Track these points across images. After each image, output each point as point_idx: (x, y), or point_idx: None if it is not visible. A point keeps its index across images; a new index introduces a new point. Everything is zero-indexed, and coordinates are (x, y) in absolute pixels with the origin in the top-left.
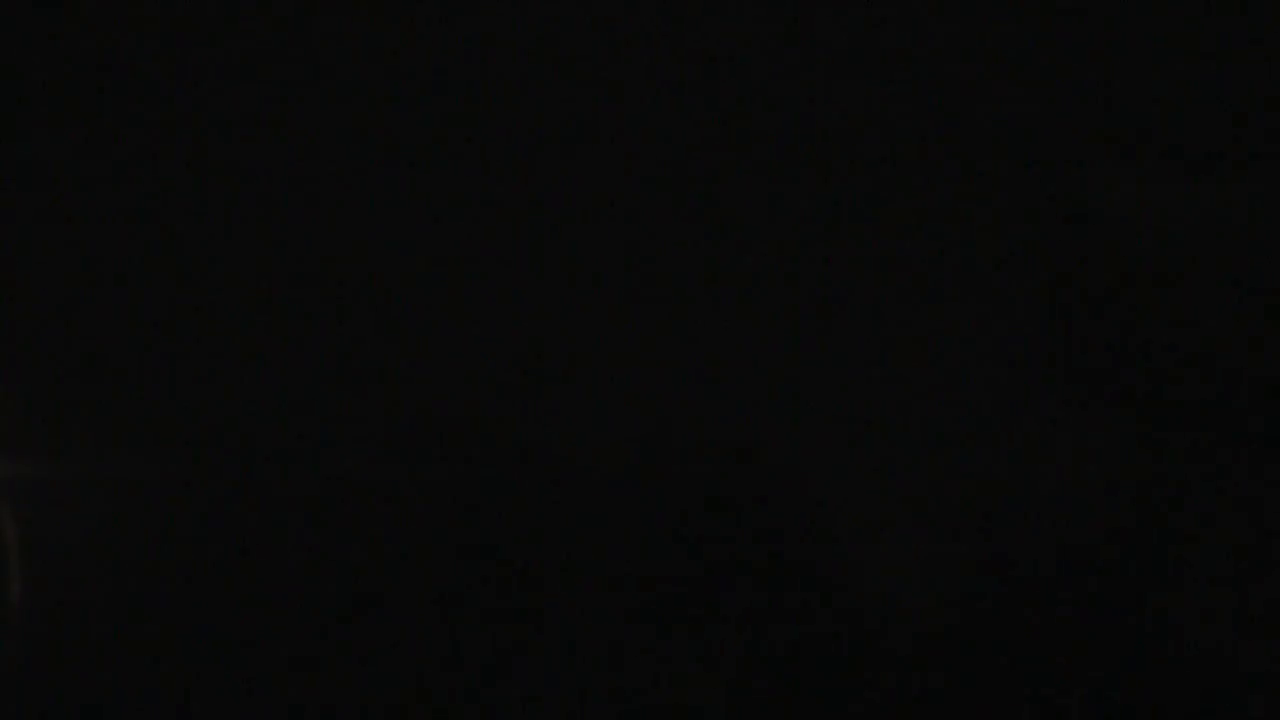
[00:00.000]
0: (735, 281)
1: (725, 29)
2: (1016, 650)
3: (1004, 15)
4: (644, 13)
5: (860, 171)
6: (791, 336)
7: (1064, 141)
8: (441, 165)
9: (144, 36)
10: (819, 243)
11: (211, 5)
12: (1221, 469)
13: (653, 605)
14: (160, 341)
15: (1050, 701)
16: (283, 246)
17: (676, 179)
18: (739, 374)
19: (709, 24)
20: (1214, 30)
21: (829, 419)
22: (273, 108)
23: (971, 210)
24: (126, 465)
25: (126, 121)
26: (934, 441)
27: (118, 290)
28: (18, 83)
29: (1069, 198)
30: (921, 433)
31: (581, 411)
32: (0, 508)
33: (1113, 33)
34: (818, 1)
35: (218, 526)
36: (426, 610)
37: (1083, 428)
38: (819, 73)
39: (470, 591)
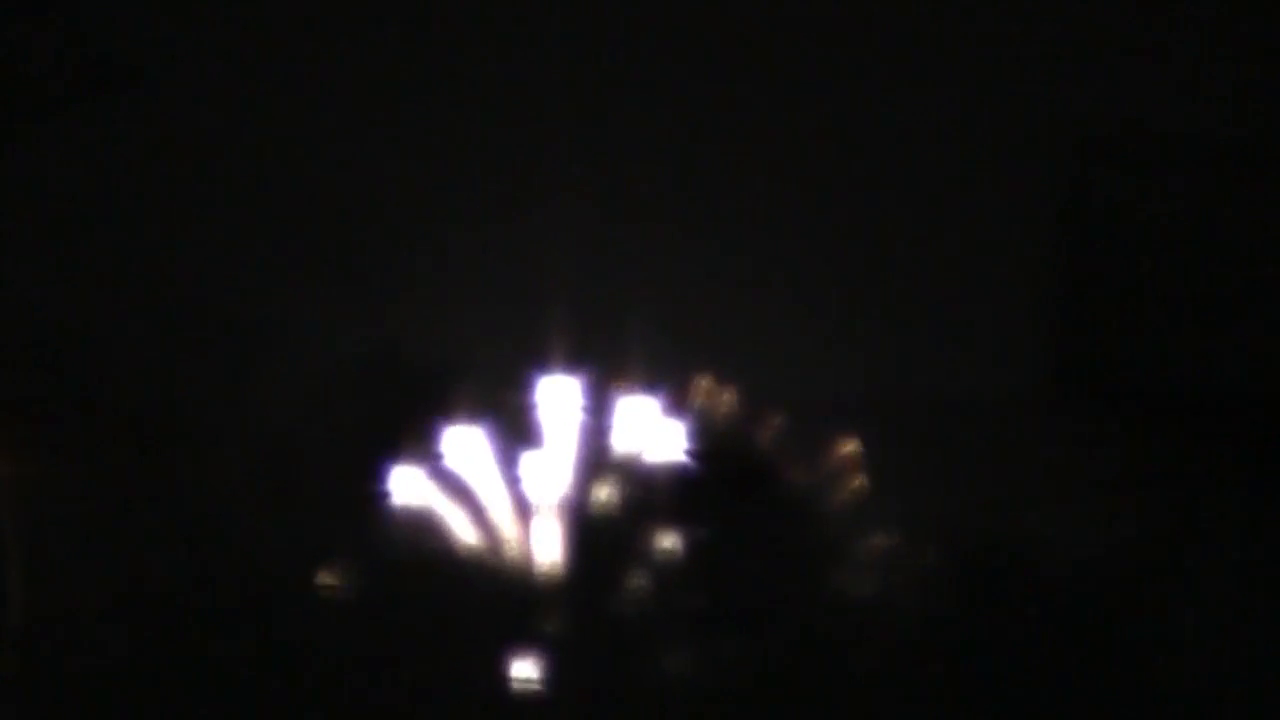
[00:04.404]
0: (741, 286)
1: (729, 29)
2: (1018, 655)
3: (1006, 20)
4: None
5: (866, 178)
6: (796, 341)
7: (1070, 147)
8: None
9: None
10: (824, 249)
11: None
12: (1224, 476)
13: (650, 606)
14: (150, 344)
15: (1051, 704)
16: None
17: (680, 182)
18: (745, 376)
19: (711, 24)
20: (1215, 34)
21: (834, 424)
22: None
23: (981, 218)
24: (118, 465)
25: (127, 134)
26: (944, 450)
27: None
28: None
29: (1075, 204)
30: (930, 440)
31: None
32: (0, 508)
33: (1116, 38)
34: (823, 7)
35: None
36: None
37: (1093, 436)
38: (820, 78)
39: (466, 601)
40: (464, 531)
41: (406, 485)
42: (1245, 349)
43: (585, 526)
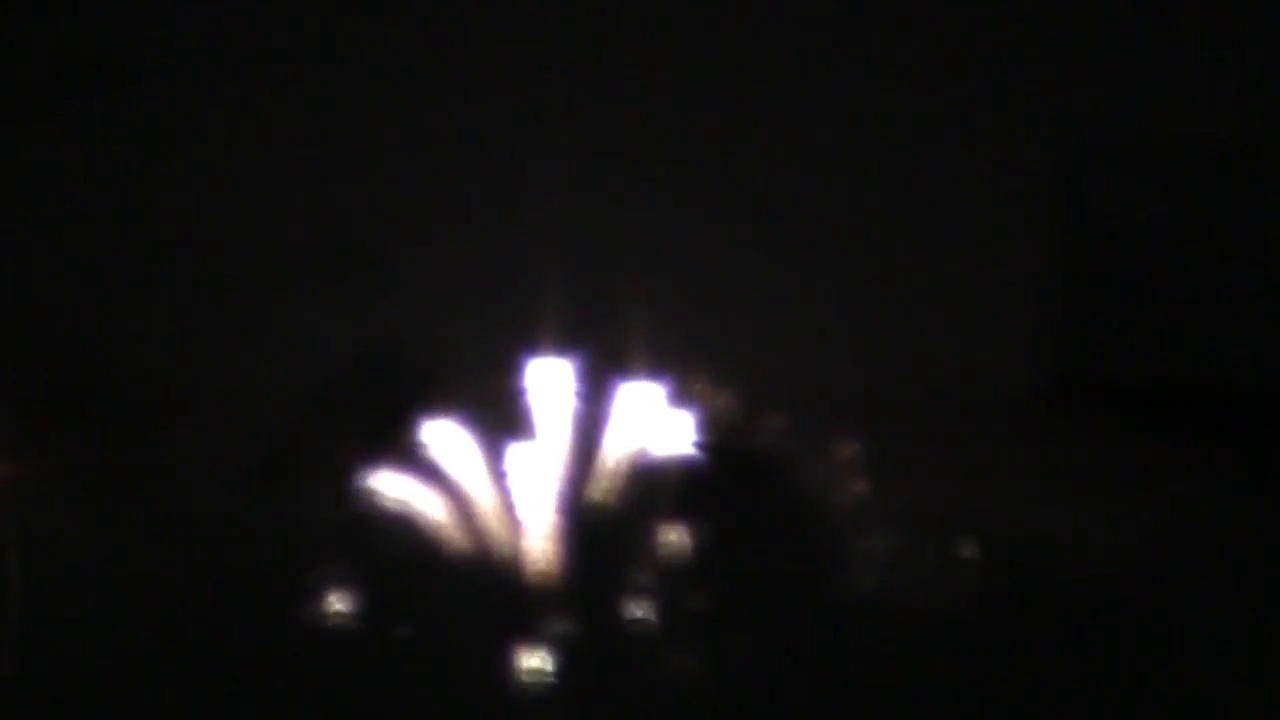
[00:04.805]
0: (741, 284)
1: (735, 31)
2: (1021, 653)
3: (1006, 22)
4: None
5: (866, 181)
6: (795, 341)
7: (1071, 147)
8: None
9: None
10: (825, 252)
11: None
12: (1226, 475)
13: (657, 606)
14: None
15: (1050, 707)
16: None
17: (679, 183)
18: (743, 371)
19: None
20: (1213, 39)
21: (837, 426)
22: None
23: (982, 218)
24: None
25: (131, 141)
26: (944, 449)
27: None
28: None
29: (1077, 203)
30: (930, 438)
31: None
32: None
33: (1115, 40)
34: (828, 10)
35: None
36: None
37: (1094, 435)
38: (823, 73)
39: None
40: (454, 529)
41: (394, 480)
42: (1246, 348)
43: (582, 523)
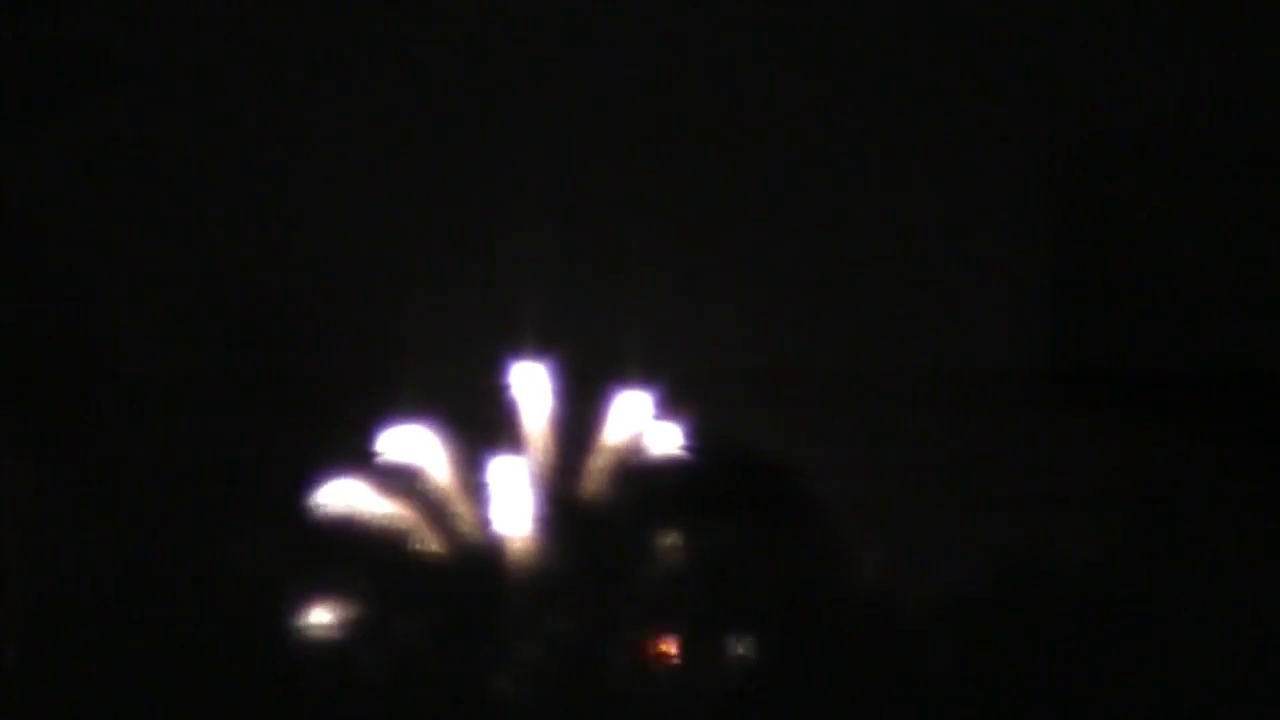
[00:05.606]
0: (737, 287)
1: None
2: (1017, 652)
3: (1006, 20)
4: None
5: (864, 179)
6: (793, 339)
7: (1070, 145)
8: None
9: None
10: (826, 246)
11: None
12: (1224, 472)
13: (661, 603)
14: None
15: (1050, 704)
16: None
17: (678, 186)
18: (749, 375)
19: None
20: (1212, 39)
21: (837, 421)
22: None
23: (983, 219)
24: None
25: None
26: (945, 446)
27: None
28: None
29: (1077, 202)
30: (932, 439)
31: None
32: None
33: (1116, 40)
34: (828, 6)
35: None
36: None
37: (1093, 430)
38: (820, 76)
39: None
40: (440, 532)
41: (376, 485)
42: (1247, 344)
43: (572, 526)
